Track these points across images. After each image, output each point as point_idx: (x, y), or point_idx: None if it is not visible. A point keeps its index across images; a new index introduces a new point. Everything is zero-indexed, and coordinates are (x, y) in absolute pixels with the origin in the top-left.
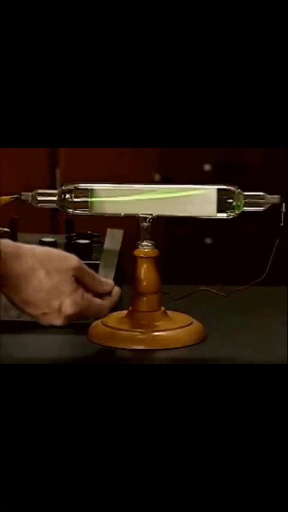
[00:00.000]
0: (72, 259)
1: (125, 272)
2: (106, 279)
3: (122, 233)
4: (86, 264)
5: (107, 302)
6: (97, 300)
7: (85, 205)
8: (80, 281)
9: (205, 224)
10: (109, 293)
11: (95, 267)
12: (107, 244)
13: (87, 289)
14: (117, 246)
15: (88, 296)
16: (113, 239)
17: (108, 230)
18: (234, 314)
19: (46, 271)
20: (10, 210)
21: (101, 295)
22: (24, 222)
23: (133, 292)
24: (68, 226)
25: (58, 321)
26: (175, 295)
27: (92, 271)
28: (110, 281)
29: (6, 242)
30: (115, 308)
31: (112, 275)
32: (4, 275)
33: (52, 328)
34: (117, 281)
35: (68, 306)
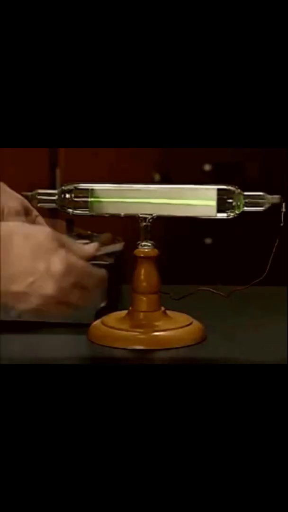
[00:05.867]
0: (46, 227)
1: (125, 272)
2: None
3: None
4: None
5: (91, 248)
6: (83, 248)
7: (85, 205)
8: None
9: (205, 224)
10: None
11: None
12: None
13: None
14: None
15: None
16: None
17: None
18: (234, 314)
19: (24, 235)
20: None
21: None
22: None
23: (133, 292)
24: (68, 226)
25: (49, 285)
26: (175, 295)
27: (70, 238)
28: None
29: None
30: (114, 307)
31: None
32: None
33: (52, 328)
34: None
35: (57, 263)
